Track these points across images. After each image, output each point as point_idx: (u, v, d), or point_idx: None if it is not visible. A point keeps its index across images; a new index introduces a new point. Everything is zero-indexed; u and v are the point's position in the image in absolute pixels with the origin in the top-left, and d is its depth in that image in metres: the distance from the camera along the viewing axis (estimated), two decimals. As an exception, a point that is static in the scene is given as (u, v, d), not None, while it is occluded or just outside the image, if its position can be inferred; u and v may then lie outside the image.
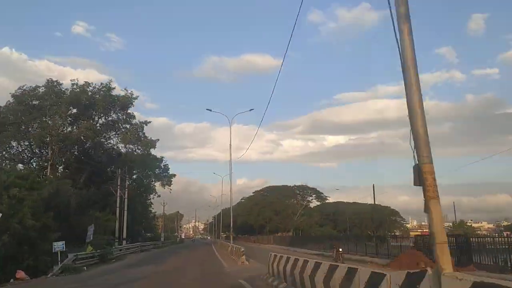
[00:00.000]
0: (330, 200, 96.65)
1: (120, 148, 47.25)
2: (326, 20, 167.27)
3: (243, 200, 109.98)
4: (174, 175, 72.20)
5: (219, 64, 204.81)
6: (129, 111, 46.22)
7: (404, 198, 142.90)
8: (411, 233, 77.68)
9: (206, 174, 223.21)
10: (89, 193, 41.46)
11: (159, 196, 72.88)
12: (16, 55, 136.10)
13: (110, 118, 45.78)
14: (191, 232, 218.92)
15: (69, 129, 40.59)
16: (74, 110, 41.53)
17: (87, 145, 41.96)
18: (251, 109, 44.85)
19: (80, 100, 40.87)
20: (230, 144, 35.62)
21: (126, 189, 42.56)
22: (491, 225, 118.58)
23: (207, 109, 40.72)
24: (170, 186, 72.05)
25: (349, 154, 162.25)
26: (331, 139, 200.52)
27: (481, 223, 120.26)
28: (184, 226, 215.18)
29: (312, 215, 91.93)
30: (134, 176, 69.01)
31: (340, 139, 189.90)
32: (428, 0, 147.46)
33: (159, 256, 38.75)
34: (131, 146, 46.85)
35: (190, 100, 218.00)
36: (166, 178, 71.03)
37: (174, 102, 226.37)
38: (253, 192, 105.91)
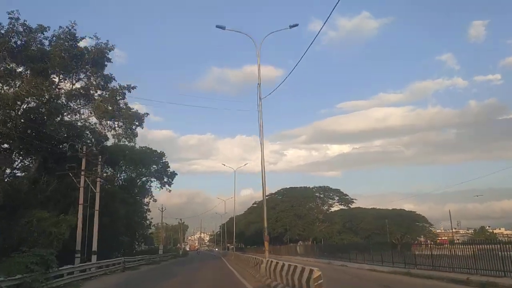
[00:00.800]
0: (356, 203, 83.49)
1: (93, 124, 33.35)
2: (326, 29, 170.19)
3: (255, 205, 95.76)
4: (176, 174, 58.57)
5: (221, 76, 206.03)
6: (105, 72, 32.53)
7: (409, 206, 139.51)
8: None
9: (211, 185, 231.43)
10: (42, 186, 27.79)
11: (155, 200, 59.09)
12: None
13: (75, 82, 32.06)
14: (196, 244, 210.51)
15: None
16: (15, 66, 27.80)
17: (37, 112, 28.03)
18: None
19: (27, 49, 27.32)
20: (259, 83, 21.67)
21: (100, 180, 28.60)
22: (509, 231, 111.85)
23: (217, 26, 22.72)
24: (170, 186, 58.67)
25: (353, 162, 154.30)
26: (334, 148, 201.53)
27: (500, 229, 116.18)
28: (189, 237, 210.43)
29: (334, 221, 77.49)
30: (123, 175, 55.55)
31: (344, 148, 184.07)
32: (428, 7, 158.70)
33: (146, 277, 25.10)
34: (108, 122, 32.96)
35: (194, 112, 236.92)
36: (166, 177, 57.57)
37: (178, 115, 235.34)
38: (267, 195, 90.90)
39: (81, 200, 25.51)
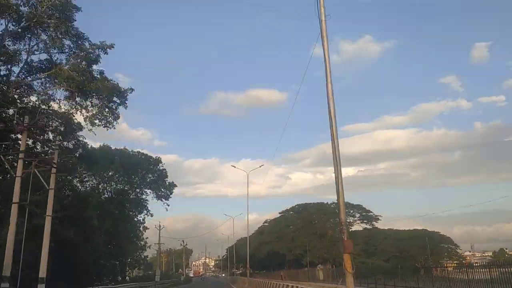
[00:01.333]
0: (381, 220, 73.05)
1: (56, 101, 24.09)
2: (329, 53, 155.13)
3: (266, 224, 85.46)
4: (175, 185, 49.06)
5: (225, 100, 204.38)
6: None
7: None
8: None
9: (216, 210, 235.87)
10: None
11: (151, 215, 49.42)
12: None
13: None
14: (201, 270, 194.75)
15: None
16: None
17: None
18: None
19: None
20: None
21: (55, 165, 19.01)
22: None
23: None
24: (167, 199, 49.06)
25: (358, 185, 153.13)
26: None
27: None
28: (194, 263, 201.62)
29: (356, 242, 66.71)
30: (113, 186, 46.23)
31: (349, 171, 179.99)
32: (430, 30, 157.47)
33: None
34: (77, 99, 23.75)
35: (198, 136, 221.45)
36: (164, 188, 48.14)
37: (182, 139, 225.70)
38: (279, 212, 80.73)
39: (15, 198, 16.02)
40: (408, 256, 64.81)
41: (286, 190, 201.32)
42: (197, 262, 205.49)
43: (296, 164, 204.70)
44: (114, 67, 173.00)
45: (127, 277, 46.60)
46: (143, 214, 48.45)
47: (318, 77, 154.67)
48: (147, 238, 51.16)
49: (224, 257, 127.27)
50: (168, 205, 48.21)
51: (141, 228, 49.22)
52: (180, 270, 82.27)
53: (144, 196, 47.69)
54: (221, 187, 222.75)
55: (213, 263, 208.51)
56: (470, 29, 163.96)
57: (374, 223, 73.87)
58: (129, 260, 48.03)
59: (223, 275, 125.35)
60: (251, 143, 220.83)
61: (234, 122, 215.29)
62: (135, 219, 48.15)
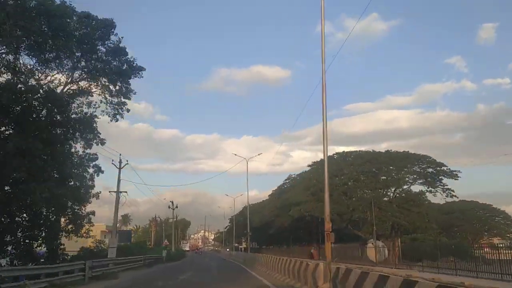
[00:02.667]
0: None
1: None
2: (334, 31, 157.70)
3: (287, 182, 62.58)
4: (142, 69, 25.55)
5: (228, 76, 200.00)
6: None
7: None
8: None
9: (216, 186, 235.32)
10: None
11: (94, 157, 25.36)
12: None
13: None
14: (200, 243, 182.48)
15: None
16: None
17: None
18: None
19: None
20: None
21: None
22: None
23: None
24: (128, 97, 25.43)
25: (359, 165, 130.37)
26: (341, 150, 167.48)
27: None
28: (192, 236, 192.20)
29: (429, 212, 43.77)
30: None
31: (350, 150, 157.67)
32: (437, 10, 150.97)
33: None
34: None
35: (200, 111, 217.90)
36: (122, 77, 24.16)
37: (184, 114, 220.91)
38: (308, 165, 55.87)
39: None
40: (460, 232, 56.83)
41: (286, 168, 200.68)
42: (195, 235, 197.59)
43: (297, 142, 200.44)
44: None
45: (59, 252, 23.08)
46: (91, 136, 24.21)
47: (320, 55, 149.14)
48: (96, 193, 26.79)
49: (227, 228, 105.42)
50: (128, 111, 24.85)
51: (89, 169, 25.03)
52: (165, 241, 59.31)
53: (87, 96, 24.05)
54: (222, 163, 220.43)
55: (212, 237, 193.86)
56: (478, 10, 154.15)
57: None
58: (70, 215, 24.24)
59: (227, 250, 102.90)
60: (253, 120, 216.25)
61: (237, 99, 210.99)
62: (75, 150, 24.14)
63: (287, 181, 62.58)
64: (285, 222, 54.66)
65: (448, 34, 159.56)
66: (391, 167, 44.52)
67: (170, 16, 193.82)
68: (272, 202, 65.62)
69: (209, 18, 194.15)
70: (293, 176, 61.59)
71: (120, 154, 35.79)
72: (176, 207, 72.04)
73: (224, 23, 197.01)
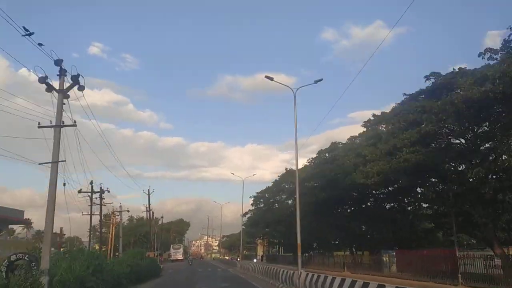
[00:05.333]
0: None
1: None
2: (339, 38, 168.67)
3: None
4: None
5: (233, 83, 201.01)
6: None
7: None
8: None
9: (219, 194, 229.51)
10: None
11: None
12: (34, 76, 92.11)
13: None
14: (202, 251, 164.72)
15: None
16: None
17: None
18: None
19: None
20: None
21: None
22: None
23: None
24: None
25: None
26: None
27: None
28: (194, 242, 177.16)
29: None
30: None
31: None
32: (442, 18, 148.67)
33: None
34: None
35: (204, 119, 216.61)
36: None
37: (188, 122, 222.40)
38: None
39: None
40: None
41: None
42: (198, 242, 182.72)
43: (302, 150, 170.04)
44: (122, 48, 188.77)
45: None
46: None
47: (326, 63, 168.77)
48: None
49: (248, 217, 72.34)
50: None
51: None
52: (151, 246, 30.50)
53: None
54: (226, 171, 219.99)
55: (216, 243, 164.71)
56: (483, 17, 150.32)
57: None
58: None
59: (237, 259, 68.69)
60: (257, 127, 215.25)
61: (241, 106, 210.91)
62: None
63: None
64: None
65: (454, 42, 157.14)
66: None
67: (174, 23, 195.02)
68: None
69: (214, 25, 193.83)
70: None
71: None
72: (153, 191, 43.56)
73: (229, 30, 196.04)
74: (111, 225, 49.52)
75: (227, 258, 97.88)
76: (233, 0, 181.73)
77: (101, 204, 38.09)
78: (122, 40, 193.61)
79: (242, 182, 59.15)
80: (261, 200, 55.63)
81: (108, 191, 37.79)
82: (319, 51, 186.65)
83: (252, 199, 56.49)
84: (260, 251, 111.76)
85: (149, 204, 46.56)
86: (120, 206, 47.47)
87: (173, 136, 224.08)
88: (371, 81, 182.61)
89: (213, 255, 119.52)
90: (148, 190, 45.64)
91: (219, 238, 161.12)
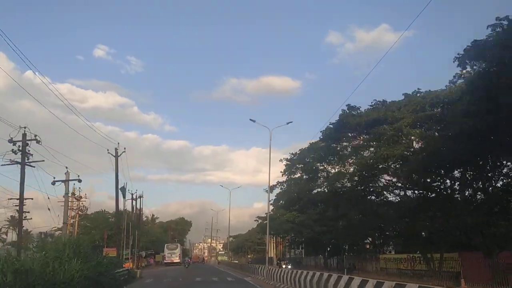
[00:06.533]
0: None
1: None
2: (344, 41, 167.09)
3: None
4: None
5: (238, 86, 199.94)
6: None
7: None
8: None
9: (224, 197, 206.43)
10: None
11: None
12: (39, 79, 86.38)
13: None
14: (205, 254, 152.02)
15: None
16: None
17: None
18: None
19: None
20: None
21: None
22: None
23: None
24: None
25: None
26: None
27: None
28: (197, 244, 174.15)
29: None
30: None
31: None
32: (449, 20, 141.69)
33: None
34: None
35: (209, 122, 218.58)
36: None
37: (193, 125, 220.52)
38: None
39: None
40: None
41: None
42: (201, 244, 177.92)
43: None
44: (126, 50, 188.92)
45: None
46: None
47: (331, 65, 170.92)
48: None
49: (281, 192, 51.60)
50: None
51: None
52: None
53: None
54: (230, 174, 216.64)
55: (221, 246, 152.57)
56: (489, 19, 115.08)
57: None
58: None
59: (284, 266, 46.70)
60: (262, 131, 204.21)
61: (246, 109, 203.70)
62: None
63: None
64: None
65: (461, 44, 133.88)
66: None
67: (179, 25, 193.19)
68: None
69: (219, 28, 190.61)
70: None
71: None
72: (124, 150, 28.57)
73: (233, 33, 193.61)
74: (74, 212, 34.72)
75: (236, 261, 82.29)
76: (238, 3, 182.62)
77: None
78: (127, 42, 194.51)
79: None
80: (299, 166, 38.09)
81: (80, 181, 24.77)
82: (324, 54, 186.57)
83: (285, 162, 38.95)
84: (271, 253, 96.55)
85: (117, 165, 30.81)
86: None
87: (178, 139, 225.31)
88: (375, 85, 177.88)
89: (219, 258, 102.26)
90: (116, 150, 30.46)
91: (223, 241, 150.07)
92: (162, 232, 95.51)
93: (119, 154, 30.85)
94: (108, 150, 30.64)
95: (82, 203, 35.95)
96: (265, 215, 65.11)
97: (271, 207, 47.80)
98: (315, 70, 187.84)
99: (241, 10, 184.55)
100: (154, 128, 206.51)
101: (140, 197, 47.71)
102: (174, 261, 63.76)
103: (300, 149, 38.32)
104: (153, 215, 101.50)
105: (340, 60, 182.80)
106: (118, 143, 31.64)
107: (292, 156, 38.58)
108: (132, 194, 45.45)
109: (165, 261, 64.12)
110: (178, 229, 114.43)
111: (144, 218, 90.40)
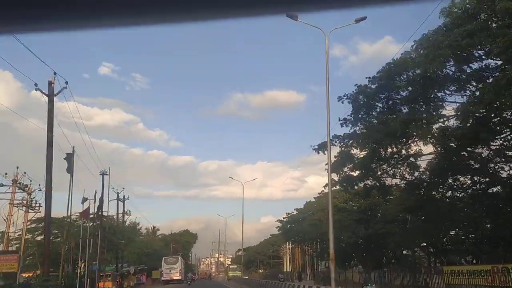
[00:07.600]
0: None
1: None
2: (348, 54, 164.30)
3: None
4: None
5: (243, 101, 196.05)
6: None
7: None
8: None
9: (230, 212, 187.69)
10: None
11: None
12: (45, 97, 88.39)
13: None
14: (213, 270, 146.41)
15: None
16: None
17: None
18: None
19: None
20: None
21: None
22: None
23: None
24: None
25: None
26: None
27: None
28: (203, 259, 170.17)
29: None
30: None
31: None
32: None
33: None
34: None
35: (214, 137, 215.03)
36: None
37: (198, 140, 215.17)
38: None
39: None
40: None
41: (302, 194, 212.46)
42: (207, 260, 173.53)
43: (313, 168, 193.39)
44: (131, 67, 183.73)
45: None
46: None
47: (336, 78, 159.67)
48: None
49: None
50: None
51: None
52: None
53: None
54: (236, 189, 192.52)
55: (229, 261, 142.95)
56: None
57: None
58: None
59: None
60: (267, 145, 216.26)
61: (251, 124, 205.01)
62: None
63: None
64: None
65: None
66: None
67: (183, 41, 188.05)
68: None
69: (222, 43, 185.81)
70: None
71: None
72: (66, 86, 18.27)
73: (237, 48, 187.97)
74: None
75: (245, 277, 71.03)
76: (242, 18, 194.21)
77: None
78: (131, 60, 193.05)
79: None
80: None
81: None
82: (329, 67, 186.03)
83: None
84: (287, 266, 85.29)
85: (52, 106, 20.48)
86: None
87: (183, 155, 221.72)
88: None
89: (231, 273, 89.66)
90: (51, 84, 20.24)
91: (231, 256, 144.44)
92: (164, 245, 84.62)
93: (55, 92, 20.90)
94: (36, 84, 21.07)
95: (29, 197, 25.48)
96: (284, 219, 53.47)
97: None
98: (320, 83, 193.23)
99: (245, 25, 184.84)
100: (160, 144, 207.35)
101: (125, 199, 37.25)
102: (174, 278, 52.83)
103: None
104: (154, 227, 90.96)
105: (343, 73, 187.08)
106: (55, 73, 22.05)
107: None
108: (117, 194, 35.18)
109: (162, 278, 53.18)
110: (182, 241, 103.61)
111: (144, 230, 79.85)
